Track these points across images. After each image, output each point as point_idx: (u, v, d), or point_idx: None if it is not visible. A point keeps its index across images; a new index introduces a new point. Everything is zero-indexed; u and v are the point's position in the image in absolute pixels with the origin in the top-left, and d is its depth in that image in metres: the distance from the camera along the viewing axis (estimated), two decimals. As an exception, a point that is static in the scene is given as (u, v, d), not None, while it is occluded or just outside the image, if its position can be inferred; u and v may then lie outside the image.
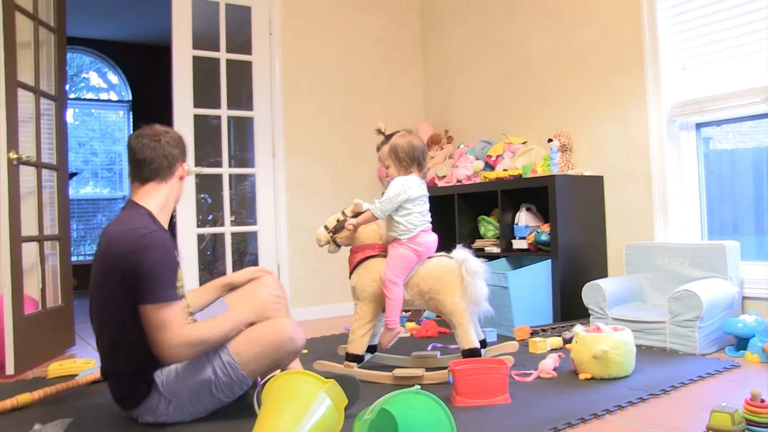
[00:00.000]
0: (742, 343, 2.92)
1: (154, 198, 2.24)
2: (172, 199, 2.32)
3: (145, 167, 2.23)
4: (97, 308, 2.17)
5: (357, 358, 2.72)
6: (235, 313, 2.24)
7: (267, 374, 2.24)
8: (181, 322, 2.06)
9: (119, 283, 2.05)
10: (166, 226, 2.27)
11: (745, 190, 3.63)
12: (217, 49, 4.44)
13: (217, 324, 2.15)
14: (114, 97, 8.77)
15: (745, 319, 2.92)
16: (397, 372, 2.63)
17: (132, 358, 2.12)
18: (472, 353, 2.57)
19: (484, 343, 2.73)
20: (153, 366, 2.13)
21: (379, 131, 2.95)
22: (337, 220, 2.81)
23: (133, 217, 2.16)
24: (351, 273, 2.79)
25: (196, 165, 4.29)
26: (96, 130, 8.59)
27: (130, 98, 8.59)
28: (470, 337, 2.59)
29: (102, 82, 8.75)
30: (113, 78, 8.71)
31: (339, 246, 2.84)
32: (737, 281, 3.24)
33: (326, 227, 2.83)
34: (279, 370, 2.14)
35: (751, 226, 3.59)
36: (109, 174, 8.68)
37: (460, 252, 2.65)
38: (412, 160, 2.76)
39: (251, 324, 2.23)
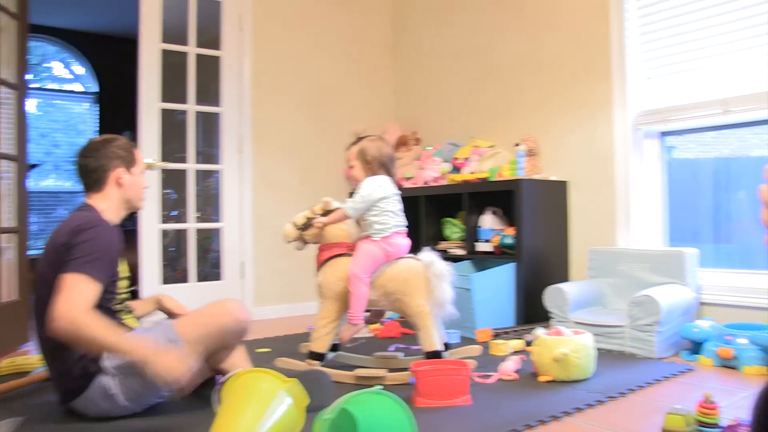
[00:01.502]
0: (697, 347, 2.98)
1: (101, 203, 2.34)
2: (120, 202, 2.39)
3: (83, 181, 2.38)
4: (42, 295, 2.13)
5: (320, 357, 2.72)
6: (134, 342, 2.00)
7: (219, 359, 2.29)
8: (84, 300, 1.99)
9: (60, 264, 2.05)
10: (116, 221, 2.37)
11: (705, 199, 3.71)
12: (186, 43, 4.39)
13: (109, 333, 1.97)
14: (79, 88, 8.60)
15: (701, 324, 2.98)
16: (359, 372, 2.63)
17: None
18: (434, 355, 2.58)
19: (447, 346, 2.74)
20: None
21: (356, 134, 2.96)
22: (306, 218, 2.80)
23: (82, 212, 2.28)
24: (318, 271, 2.78)
25: (162, 160, 4.24)
26: (59, 121, 8.42)
27: (97, 90, 8.44)
28: (433, 340, 2.60)
29: (67, 72, 8.58)
30: (79, 69, 8.55)
31: (306, 243, 2.83)
32: (695, 287, 3.31)
33: (294, 224, 2.82)
34: (239, 369, 2.12)
35: (709, 234, 3.67)
36: (72, 167, 8.52)
37: (427, 255, 2.66)
38: (379, 165, 2.77)
39: (134, 360, 1.97)
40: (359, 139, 2.86)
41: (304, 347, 2.89)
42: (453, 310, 2.64)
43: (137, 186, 2.45)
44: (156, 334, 2.18)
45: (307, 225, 2.78)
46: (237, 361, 2.36)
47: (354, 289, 2.65)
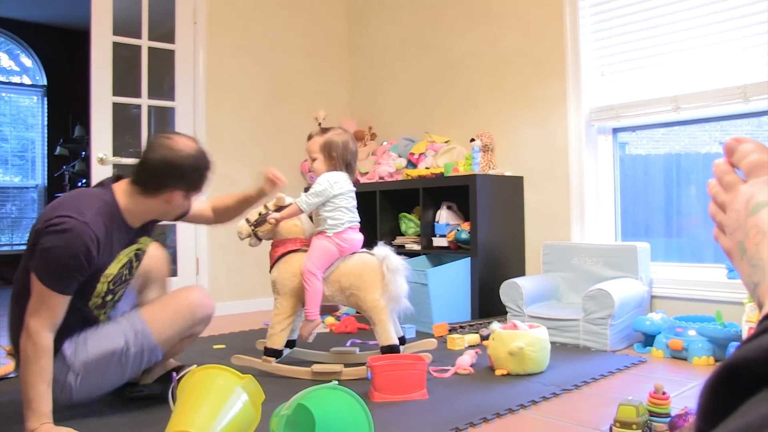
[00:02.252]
0: (649, 339, 3.04)
1: (130, 199, 2.10)
2: (150, 215, 2.18)
3: (136, 167, 2.12)
4: (14, 282, 2.07)
5: (275, 353, 2.69)
6: (37, 415, 1.89)
7: (177, 349, 2.31)
8: (50, 318, 1.92)
9: (31, 253, 1.97)
10: (135, 225, 2.15)
11: (657, 195, 3.79)
12: (138, 36, 4.30)
13: (32, 376, 1.89)
14: (27, 81, 8.37)
15: (653, 317, 3.05)
16: (316, 368, 2.62)
17: None
18: (390, 350, 2.58)
19: (403, 340, 2.75)
20: (61, 337, 2.03)
21: (318, 121, 2.93)
22: (259, 214, 2.76)
23: (82, 197, 2.06)
24: (272, 267, 2.75)
25: (115, 155, 4.15)
26: (6, 114, 8.17)
27: (45, 83, 8.23)
28: (389, 334, 2.60)
29: (14, 64, 8.34)
30: (27, 61, 8.31)
31: (260, 240, 2.79)
32: (647, 281, 3.37)
33: (248, 220, 2.77)
34: (195, 365, 2.09)
35: (660, 228, 3.74)
36: (20, 162, 8.27)
37: (382, 249, 2.66)
38: (343, 161, 2.75)
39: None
40: (323, 130, 2.83)
41: (260, 344, 2.86)
42: (408, 305, 2.64)
43: (180, 209, 2.25)
44: (124, 325, 2.16)
45: (260, 221, 2.75)
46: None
47: (308, 284, 2.63)
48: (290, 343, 2.80)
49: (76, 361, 2.07)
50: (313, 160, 2.81)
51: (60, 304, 1.95)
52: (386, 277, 2.58)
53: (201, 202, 2.38)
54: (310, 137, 2.86)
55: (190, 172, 2.11)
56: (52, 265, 1.91)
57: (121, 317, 2.24)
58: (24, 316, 1.93)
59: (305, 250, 2.71)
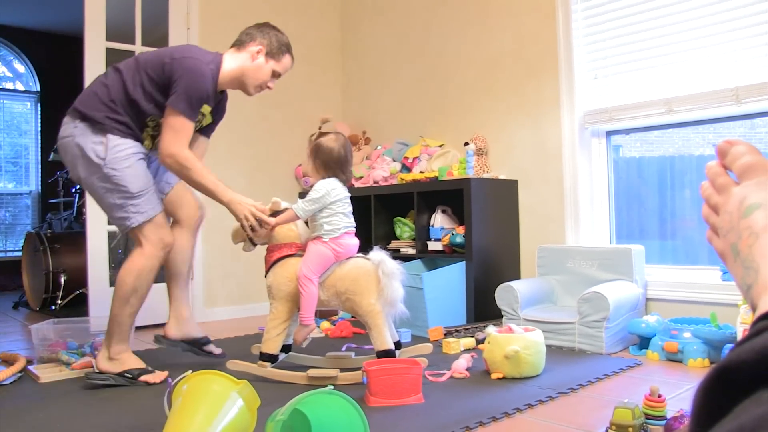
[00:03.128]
0: (644, 342, 3.04)
1: (230, 61, 2.85)
2: (245, 74, 2.88)
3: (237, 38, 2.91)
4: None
5: (271, 358, 2.68)
6: (222, 189, 2.68)
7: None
8: (185, 143, 2.64)
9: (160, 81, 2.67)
10: (219, 89, 2.87)
11: (651, 197, 3.80)
12: (132, 41, 4.30)
13: (207, 178, 2.66)
14: (21, 87, 8.34)
15: (648, 319, 3.05)
16: (312, 372, 2.61)
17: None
18: (386, 354, 2.57)
19: (398, 345, 2.74)
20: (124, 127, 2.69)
21: (324, 121, 2.94)
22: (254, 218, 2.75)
23: (204, 52, 2.79)
24: (267, 272, 2.74)
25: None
26: (0, 121, 8.15)
27: (38, 89, 8.21)
28: (385, 339, 2.59)
29: (7, 70, 8.31)
30: (20, 67, 8.29)
31: (255, 245, 2.78)
32: (642, 283, 3.38)
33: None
34: (190, 371, 2.08)
35: (655, 231, 3.75)
36: (14, 168, 8.24)
37: (377, 254, 2.65)
38: (325, 167, 2.74)
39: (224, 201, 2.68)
40: (320, 134, 2.82)
41: (255, 348, 2.86)
42: (404, 309, 2.63)
43: (262, 75, 2.90)
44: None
45: (255, 225, 2.73)
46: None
47: (304, 289, 2.62)
48: (285, 348, 2.79)
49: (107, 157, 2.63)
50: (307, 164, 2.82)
51: (191, 129, 2.67)
52: (382, 282, 2.57)
53: (202, 145, 3.03)
54: (310, 138, 2.86)
55: (274, 40, 2.90)
56: (188, 89, 2.61)
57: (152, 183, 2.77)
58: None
59: (301, 255, 2.71)
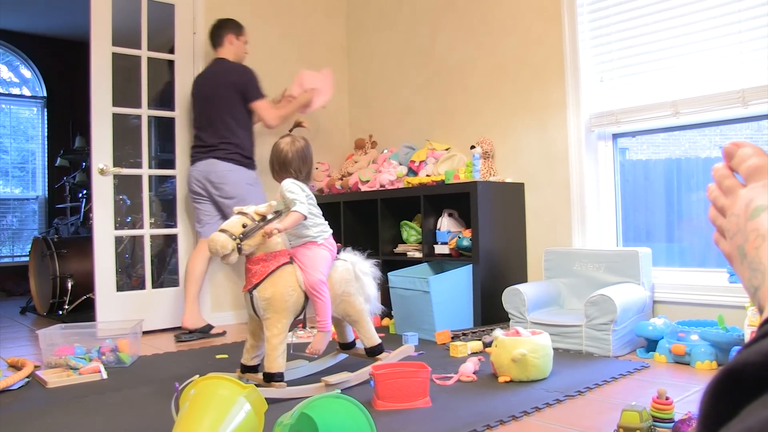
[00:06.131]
0: (651, 344, 3.04)
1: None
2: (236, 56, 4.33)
3: None
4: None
5: (280, 377, 2.48)
6: (291, 103, 4.43)
7: None
8: (272, 109, 4.28)
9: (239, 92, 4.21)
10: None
11: (657, 199, 3.79)
12: (138, 46, 4.32)
13: (286, 109, 4.37)
14: (27, 92, 8.38)
15: (655, 322, 3.04)
16: (328, 379, 2.51)
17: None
18: (378, 348, 2.72)
19: (353, 344, 2.90)
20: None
21: (297, 125, 2.95)
22: (243, 225, 2.43)
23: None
24: (257, 285, 2.48)
25: (115, 165, 4.16)
26: (6, 126, 8.18)
27: (45, 94, 8.25)
28: (372, 334, 2.72)
29: (13, 76, 8.35)
30: (26, 72, 8.33)
31: (240, 255, 2.44)
32: (649, 286, 3.37)
33: (229, 233, 2.39)
34: (197, 375, 2.09)
35: (662, 233, 3.74)
36: (21, 173, 8.28)
37: (350, 255, 2.76)
38: (281, 168, 2.69)
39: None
40: (282, 136, 2.77)
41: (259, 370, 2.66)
42: (379, 305, 2.81)
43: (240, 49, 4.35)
44: None
45: (246, 233, 2.43)
46: None
47: (322, 295, 2.53)
48: (254, 369, 2.66)
49: None
50: None
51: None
52: (362, 280, 2.69)
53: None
54: None
55: (228, 26, 4.38)
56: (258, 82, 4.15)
57: None
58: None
59: (292, 263, 2.59)
